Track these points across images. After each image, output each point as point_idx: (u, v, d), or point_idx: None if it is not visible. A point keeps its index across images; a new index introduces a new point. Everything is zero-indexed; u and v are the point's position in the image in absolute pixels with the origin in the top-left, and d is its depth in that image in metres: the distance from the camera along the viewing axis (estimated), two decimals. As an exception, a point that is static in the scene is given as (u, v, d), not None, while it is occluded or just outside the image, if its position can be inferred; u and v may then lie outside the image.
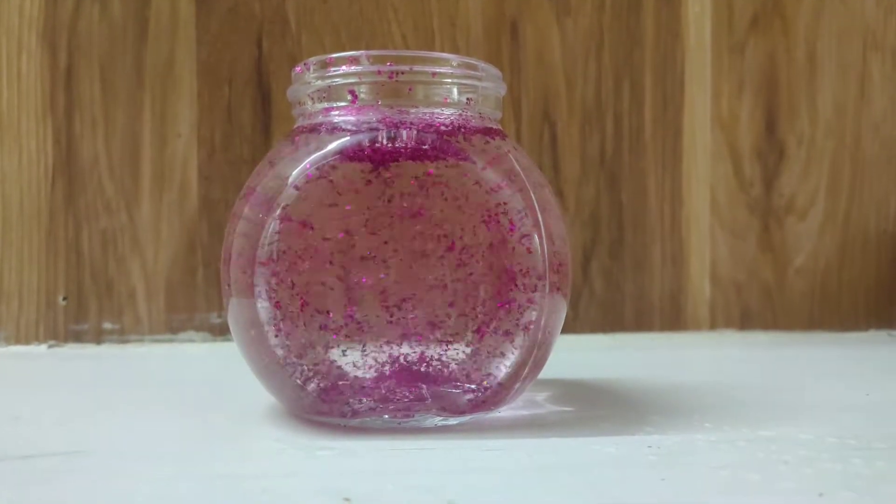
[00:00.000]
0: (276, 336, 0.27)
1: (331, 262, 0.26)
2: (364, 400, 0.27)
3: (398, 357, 0.27)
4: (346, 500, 0.21)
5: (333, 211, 0.27)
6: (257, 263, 0.27)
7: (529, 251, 0.27)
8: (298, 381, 0.28)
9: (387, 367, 0.27)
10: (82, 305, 0.50)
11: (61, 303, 0.49)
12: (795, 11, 0.54)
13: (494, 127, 0.30)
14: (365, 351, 0.27)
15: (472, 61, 0.29)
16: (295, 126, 0.30)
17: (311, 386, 0.28)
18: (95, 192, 0.49)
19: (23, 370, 0.43)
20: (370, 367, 0.27)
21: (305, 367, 0.27)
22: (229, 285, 0.28)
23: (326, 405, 0.28)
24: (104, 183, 0.50)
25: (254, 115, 0.51)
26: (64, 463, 0.25)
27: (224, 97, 0.50)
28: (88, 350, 0.48)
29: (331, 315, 0.26)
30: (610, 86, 0.53)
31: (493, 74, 0.30)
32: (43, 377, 0.41)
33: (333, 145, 0.28)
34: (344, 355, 0.27)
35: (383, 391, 0.27)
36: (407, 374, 0.27)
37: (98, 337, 0.50)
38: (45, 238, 0.49)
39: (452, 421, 0.28)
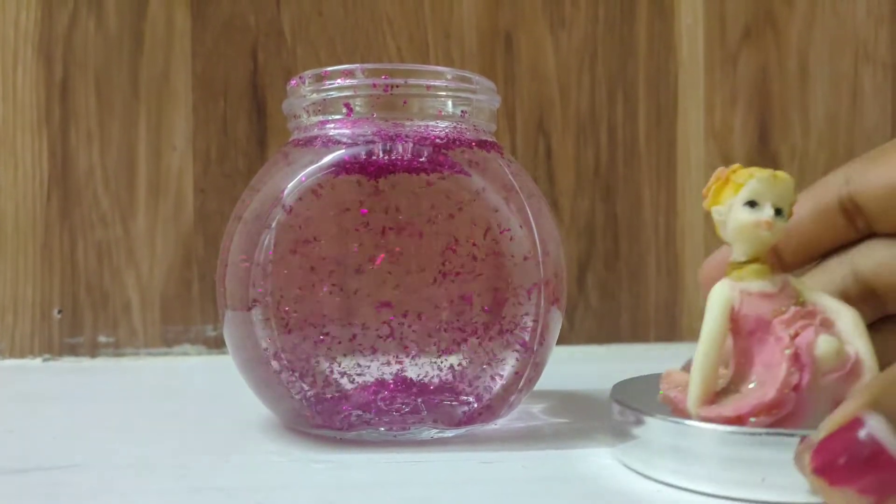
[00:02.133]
0: (272, 349, 0.27)
1: (326, 275, 0.26)
2: (360, 413, 0.27)
3: (394, 370, 0.27)
4: (342, 513, 0.21)
5: (328, 224, 0.27)
6: (253, 276, 0.27)
7: (524, 263, 0.27)
8: (294, 394, 0.28)
9: (382, 380, 0.27)
10: (77, 318, 0.49)
11: (56, 316, 0.49)
12: (787, 23, 0.55)
13: (489, 139, 0.30)
14: (360, 364, 0.27)
15: (467, 74, 0.29)
16: (290, 139, 0.30)
17: (307, 399, 0.27)
18: (91, 205, 0.49)
19: (17, 384, 0.42)
20: (366, 380, 0.27)
21: (301, 380, 0.27)
22: (225, 298, 0.28)
23: (322, 418, 0.28)
24: (99, 195, 0.50)
25: (249, 127, 0.51)
26: (59, 477, 0.25)
27: (219, 110, 0.50)
28: (83, 363, 0.48)
29: (326, 328, 0.26)
30: (604, 97, 0.54)
31: (487, 87, 0.30)
32: (37, 391, 0.40)
33: (328, 158, 0.28)
34: (339, 368, 0.27)
35: (379, 404, 0.27)
36: (402, 386, 0.27)
37: (93, 350, 0.49)
38: (39, 251, 0.49)
39: (448, 433, 0.28)
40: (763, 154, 0.55)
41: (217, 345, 0.50)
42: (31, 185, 0.49)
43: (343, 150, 0.28)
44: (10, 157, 0.49)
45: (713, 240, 0.54)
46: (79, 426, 0.32)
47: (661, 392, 0.25)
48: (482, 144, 0.29)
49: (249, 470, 0.26)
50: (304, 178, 0.27)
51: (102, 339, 0.49)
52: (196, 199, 0.50)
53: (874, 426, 0.18)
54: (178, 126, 0.50)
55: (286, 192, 0.27)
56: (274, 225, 0.27)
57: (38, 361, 0.49)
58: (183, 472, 0.25)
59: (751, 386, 0.23)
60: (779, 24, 0.55)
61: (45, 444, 0.29)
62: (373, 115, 0.28)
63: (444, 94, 0.29)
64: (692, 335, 0.53)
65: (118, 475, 0.25)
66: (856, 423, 0.18)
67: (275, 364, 0.27)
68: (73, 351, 0.49)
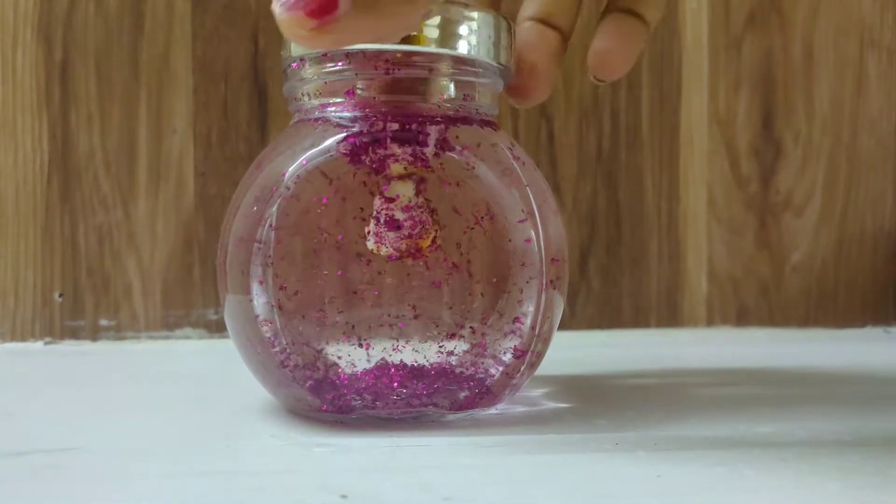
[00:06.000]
0: (273, 333, 0.27)
1: (327, 259, 0.26)
2: (361, 396, 0.27)
3: (395, 353, 0.27)
4: (344, 497, 0.21)
5: (329, 207, 0.27)
6: (253, 260, 0.27)
7: (526, 246, 0.27)
8: (295, 378, 0.27)
9: (384, 364, 0.27)
10: (78, 302, 0.49)
11: (57, 299, 0.49)
12: (792, 8, 0.54)
13: (492, 122, 0.30)
14: (361, 347, 0.27)
15: (470, 57, 0.29)
16: (291, 122, 0.30)
17: (308, 382, 0.27)
18: (91, 188, 0.49)
19: (18, 367, 0.42)
20: (367, 364, 0.27)
21: (302, 364, 0.27)
22: (226, 282, 0.28)
23: (323, 402, 0.28)
24: (100, 179, 0.49)
25: (250, 111, 0.50)
26: (59, 459, 0.25)
27: (220, 93, 0.50)
28: (84, 347, 0.48)
29: (327, 311, 0.26)
30: (607, 83, 0.53)
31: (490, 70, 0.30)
32: (39, 374, 0.41)
33: (330, 141, 0.27)
34: (340, 352, 0.27)
35: (380, 387, 0.27)
36: (404, 370, 0.27)
37: (94, 334, 0.49)
38: (40, 234, 0.49)
39: (449, 417, 0.28)
40: (767, 140, 0.55)
41: (218, 329, 0.50)
42: (32, 169, 0.49)
43: (345, 133, 0.27)
44: (10, 139, 0.49)
45: (716, 226, 0.54)
46: (80, 410, 0.32)
47: None
48: (485, 127, 0.29)
49: (250, 454, 0.26)
50: (305, 161, 0.27)
51: (104, 322, 0.49)
52: (197, 182, 0.50)
53: None
54: (179, 109, 0.50)
55: (287, 174, 0.27)
56: (275, 208, 0.27)
57: (39, 345, 0.49)
58: (184, 455, 0.25)
59: None
60: (784, 9, 0.54)
61: (45, 428, 0.29)
62: (374, 97, 0.28)
63: (446, 76, 0.28)
64: (693, 321, 0.53)
65: (119, 459, 0.25)
66: None
67: (275, 348, 0.27)
68: (75, 334, 0.49)
